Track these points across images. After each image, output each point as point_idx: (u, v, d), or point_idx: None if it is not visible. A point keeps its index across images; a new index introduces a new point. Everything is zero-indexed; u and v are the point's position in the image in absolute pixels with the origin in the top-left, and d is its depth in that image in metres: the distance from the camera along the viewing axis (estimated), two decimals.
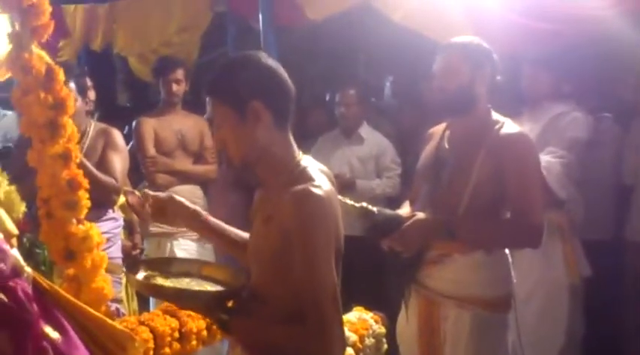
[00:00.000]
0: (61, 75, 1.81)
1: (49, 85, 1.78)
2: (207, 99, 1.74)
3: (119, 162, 3.56)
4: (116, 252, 3.63)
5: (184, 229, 4.15)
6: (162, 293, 1.80)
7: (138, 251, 4.14)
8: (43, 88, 1.77)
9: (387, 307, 3.00)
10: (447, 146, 2.65)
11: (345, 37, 5.61)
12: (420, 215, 2.48)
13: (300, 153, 1.77)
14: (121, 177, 3.55)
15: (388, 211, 2.55)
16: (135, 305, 4.10)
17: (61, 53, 5.97)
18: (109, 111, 6.17)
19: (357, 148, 4.56)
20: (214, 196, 4.36)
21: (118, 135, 3.67)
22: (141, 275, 1.79)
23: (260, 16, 4.81)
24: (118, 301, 3.37)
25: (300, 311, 1.63)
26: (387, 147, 4.57)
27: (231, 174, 4.47)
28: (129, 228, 4.16)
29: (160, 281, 1.78)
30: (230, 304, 1.78)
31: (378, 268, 4.13)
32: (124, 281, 3.91)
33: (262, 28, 4.84)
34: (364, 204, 2.42)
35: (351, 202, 2.37)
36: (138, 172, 4.33)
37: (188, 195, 4.20)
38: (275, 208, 1.68)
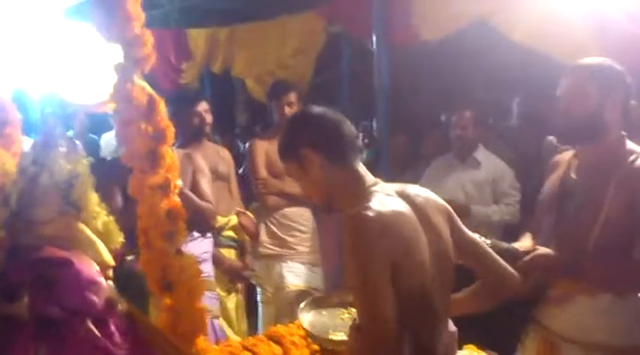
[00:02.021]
0: (161, 105, 1.82)
1: (149, 116, 1.79)
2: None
3: (207, 184, 3.62)
4: (209, 270, 3.65)
5: (294, 251, 4.16)
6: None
7: (248, 272, 4.16)
8: (144, 119, 1.78)
9: (501, 347, 2.80)
10: (574, 176, 2.45)
11: (461, 56, 5.44)
12: (543, 249, 2.30)
13: (374, 180, 1.91)
14: (212, 199, 3.61)
15: (503, 244, 2.38)
16: (244, 326, 4.13)
17: (183, 75, 6.21)
18: (228, 131, 6.33)
19: (473, 172, 4.36)
20: (323, 219, 4.32)
21: (201, 158, 3.73)
22: (307, 316, 2.13)
23: (374, 37, 4.79)
24: (215, 316, 3.43)
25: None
26: (505, 171, 4.34)
27: None
28: (240, 249, 4.20)
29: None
30: None
31: None
32: (233, 300, 3.96)
33: (376, 49, 4.80)
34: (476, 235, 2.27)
35: None
36: (249, 193, 4.38)
37: (297, 218, 4.20)
38: None
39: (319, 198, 1.95)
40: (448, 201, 4.25)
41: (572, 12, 3.85)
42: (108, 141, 6.81)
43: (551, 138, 3.42)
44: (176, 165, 1.86)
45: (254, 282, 4.22)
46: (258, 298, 4.24)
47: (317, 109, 1.97)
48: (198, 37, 6.18)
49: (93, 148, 6.77)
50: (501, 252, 2.30)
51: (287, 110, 4.20)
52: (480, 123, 4.39)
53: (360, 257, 1.73)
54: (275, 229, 4.13)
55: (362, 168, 1.92)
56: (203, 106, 4.14)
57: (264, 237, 4.12)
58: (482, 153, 4.38)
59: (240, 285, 4.15)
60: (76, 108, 6.08)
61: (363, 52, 5.48)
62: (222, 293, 4.03)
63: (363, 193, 1.86)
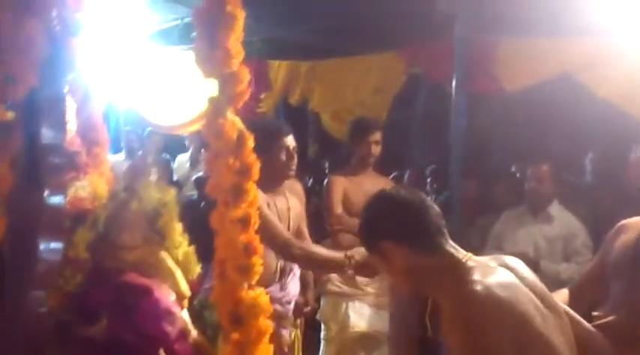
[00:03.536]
0: (250, 141, 1.84)
1: (238, 151, 1.82)
2: None
3: None
4: None
5: (362, 292, 4.08)
6: None
7: (309, 308, 4.13)
8: (233, 154, 1.81)
9: None
10: None
11: (540, 106, 5.36)
12: (612, 319, 2.20)
13: (466, 255, 1.77)
14: None
15: None
16: None
17: (261, 105, 6.32)
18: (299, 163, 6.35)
19: (545, 227, 4.25)
20: None
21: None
22: None
23: (454, 82, 4.76)
24: None
25: None
26: (578, 229, 4.20)
27: None
28: (302, 284, 4.17)
29: None
30: None
31: None
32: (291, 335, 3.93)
33: (455, 93, 4.77)
34: None
35: None
36: (321, 229, 4.36)
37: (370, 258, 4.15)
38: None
39: (407, 286, 1.86)
40: (518, 255, 4.17)
41: None
42: (181, 163, 6.95)
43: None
44: (258, 201, 1.87)
45: (319, 318, 4.17)
46: (322, 335, 4.19)
47: (398, 195, 1.82)
48: (279, 69, 6.27)
49: (165, 169, 6.92)
50: None
51: (374, 149, 4.20)
52: (556, 177, 4.29)
53: (475, 342, 1.57)
54: None
55: (451, 247, 1.79)
56: None
57: (334, 274, 4.06)
58: (556, 209, 4.27)
59: (299, 320, 4.13)
60: (153, 127, 6.26)
61: (439, 95, 5.46)
62: None
63: (459, 271, 1.72)
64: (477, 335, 1.58)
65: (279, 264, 3.34)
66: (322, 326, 4.19)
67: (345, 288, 4.05)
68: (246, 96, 1.84)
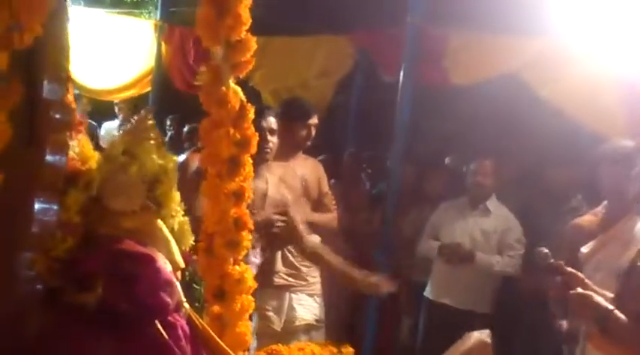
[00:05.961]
0: (251, 113, 1.79)
1: (239, 122, 1.76)
2: None
3: None
4: None
5: (305, 282, 3.90)
6: None
7: None
8: (233, 124, 1.75)
9: None
10: None
11: (481, 101, 5.48)
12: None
13: None
14: None
15: None
16: None
17: (198, 77, 6.14)
18: None
19: (483, 220, 4.40)
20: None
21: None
22: None
23: (402, 71, 4.79)
24: None
25: None
26: (513, 224, 4.38)
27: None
28: None
29: None
30: None
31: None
32: None
33: (402, 83, 4.80)
34: None
35: None
36: None
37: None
38: None
39: None
40: (455, 246, 4.32)
41: (607, 80, 3.92)
42: (109, 130, 6.71)
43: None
44: (252, 175, 1.82)
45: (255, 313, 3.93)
46: (253, 328, 3.92)
47: None
48: None
49: (91, 136, 6.61)
50: None
51: (313, 132, 4.09)
52: (497, 172, 4.43)
53: None
54: (292, 258, 3.79)
55: None
56: None
57: (279, 266, 3.76)
58: (493, 203, 4.42)
59: None
60: (80, 91, 5.99)
61: (376, 83, 5.50)
62: None
63: None
64: None
65: None
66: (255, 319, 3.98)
67: (291, 280, 3.78)
68: (250, 66, 1.78)
